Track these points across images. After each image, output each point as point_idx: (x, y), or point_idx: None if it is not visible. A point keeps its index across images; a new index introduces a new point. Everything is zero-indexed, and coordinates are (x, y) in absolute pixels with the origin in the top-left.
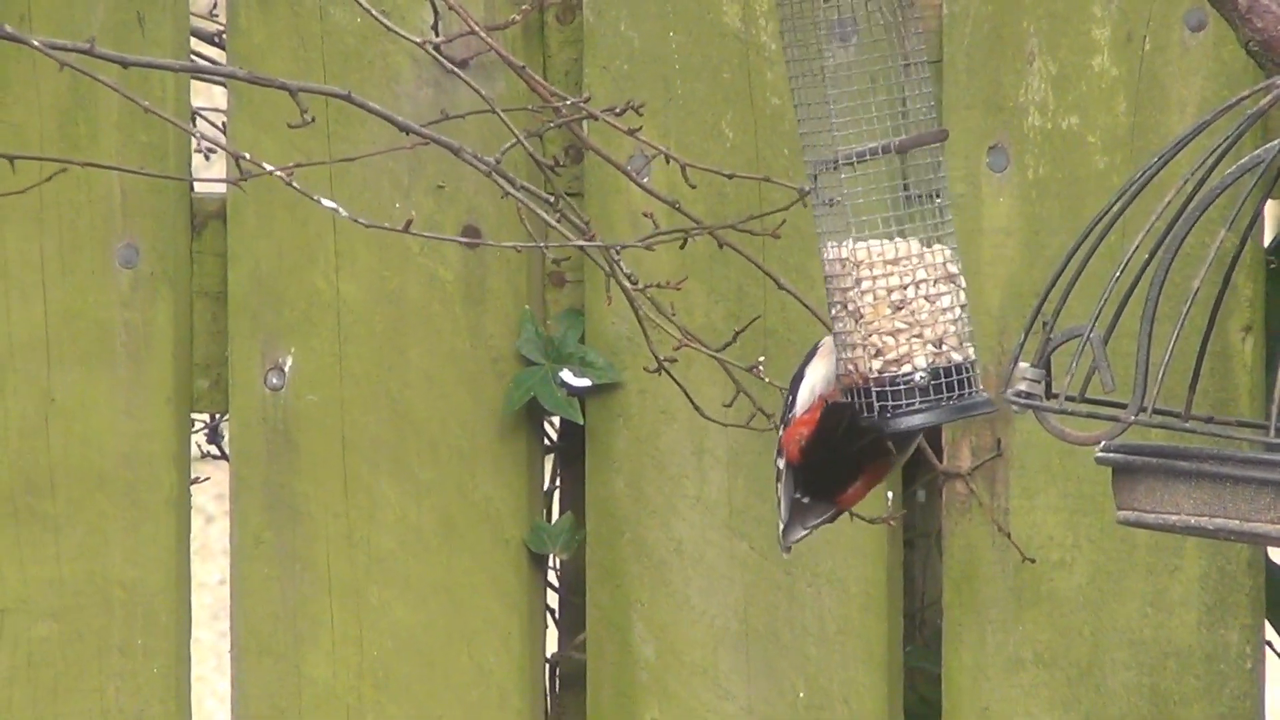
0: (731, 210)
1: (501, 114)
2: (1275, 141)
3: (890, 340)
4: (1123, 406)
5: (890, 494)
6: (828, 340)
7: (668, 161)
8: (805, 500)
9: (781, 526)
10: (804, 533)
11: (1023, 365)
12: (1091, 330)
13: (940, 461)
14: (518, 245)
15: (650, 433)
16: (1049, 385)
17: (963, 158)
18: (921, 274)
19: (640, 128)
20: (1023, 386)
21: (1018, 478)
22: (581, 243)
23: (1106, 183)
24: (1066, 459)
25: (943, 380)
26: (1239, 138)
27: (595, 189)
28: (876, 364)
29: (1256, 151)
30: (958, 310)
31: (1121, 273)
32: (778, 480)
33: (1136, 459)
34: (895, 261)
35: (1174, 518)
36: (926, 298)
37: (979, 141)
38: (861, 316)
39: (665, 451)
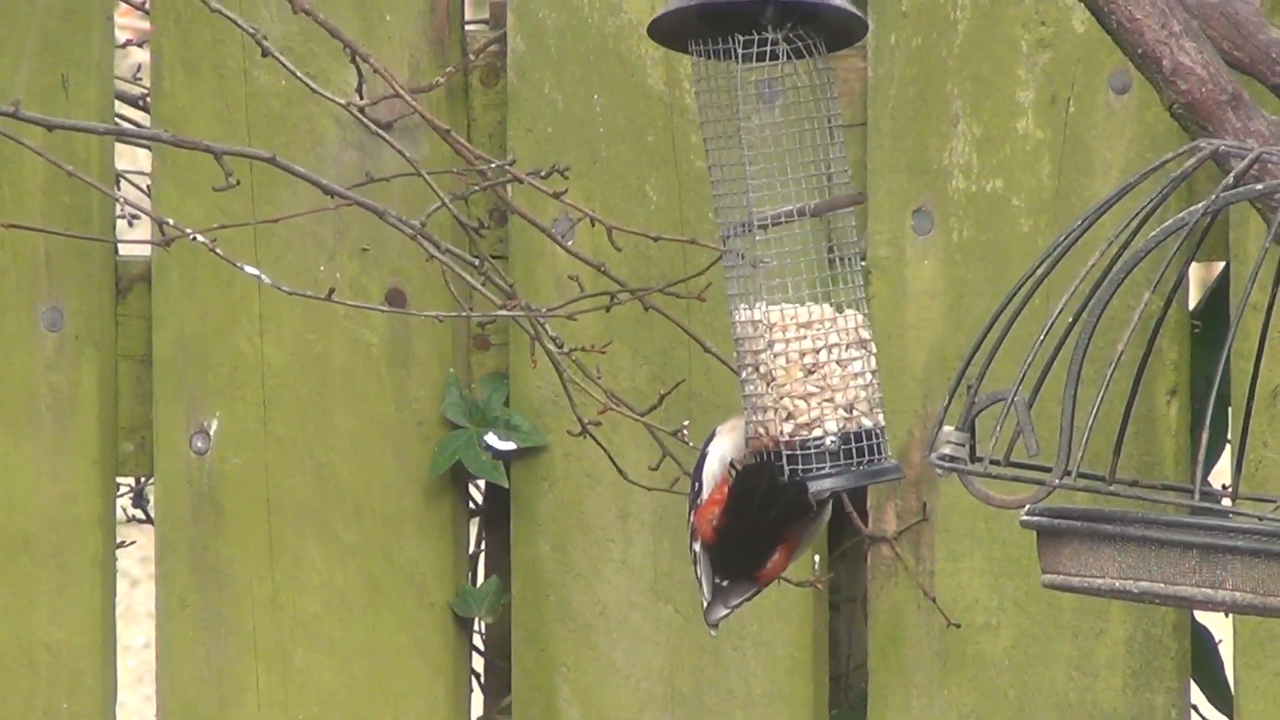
0: (656, 273)
1: (426, 176)
2: (1199, 205)
3: (802, 404)
4: (1047, 470)
5: (816, 557)
6: (726, 423)
7: (593, 224)
8: (724, 584)
9: (705, 604)
10: (726, 612)
11: (947, 429)
12: (1016, 394)
13: (866, 525)
14: (439, 315)
15: (575, 496)
16: (973, 449)
17: (887, 220)
18: (834, 338)
19: (565, 190)
20: (947, 450)
21: (943, 541)
22: (505, 313)
23: (1031, 245)
24: (992, 522)
25: (853, 445)
26: (1163, 200)
27: (520, 251)
28: (788, 427)
29: (1181, 214)
30: (869, 375)
31: (1046, 336)
32: (694, 564)
33: (1061, 522)
34: (808, 325)
35: (1099, 581)
36: (839, 362)
37: (904, 204)
38: (774, 379)
39: (590, 515)
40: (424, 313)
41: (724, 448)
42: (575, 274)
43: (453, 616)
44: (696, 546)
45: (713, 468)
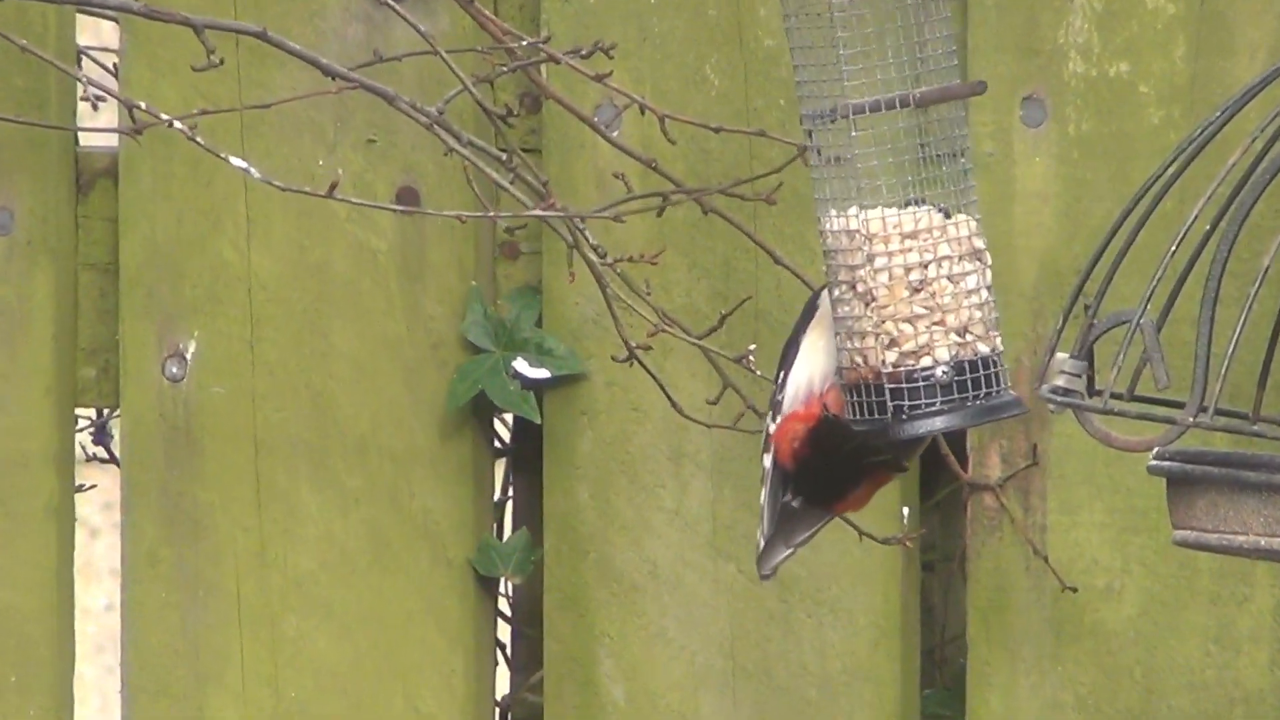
0: (717, 171)
1: (444, 55)
2: None
3: (908, 328)
4: (1180, 406)
5: (906, 509)
6: (826, 297)
7: (642, 112)
8: (795, 504)
9: (761, 544)
10: (787, 553)
11: (1061, 356)
12: (1142, 315)
13: (965, 471)
14: (462, 215)
15: (620, 434)
16: (1092, 380)
17: (991, 110)
18: (944, 249)
19: (610, 72)
20: (1061, 382)
21: (1056, 490)
22: (539, 212)
23: (1161, 140)
24: (1113, 468)
25: (968, 376)
26: None
27: (556, 145)
28: (891, 356)
29: None
30: (984, 293)
31: (1178, 247)
32: (763, 482)
33: (1196, 469)
34: (914, 234)
35: (1241, 538)
36: (950, 278)
37: (1011, 91)
38: (874, 299)
39: (637, 456)
40: (442, 212)
41: (816, 360)
42: (621, 171)
43: (474, 576)
44: (768, 460)
45: (799, 379)
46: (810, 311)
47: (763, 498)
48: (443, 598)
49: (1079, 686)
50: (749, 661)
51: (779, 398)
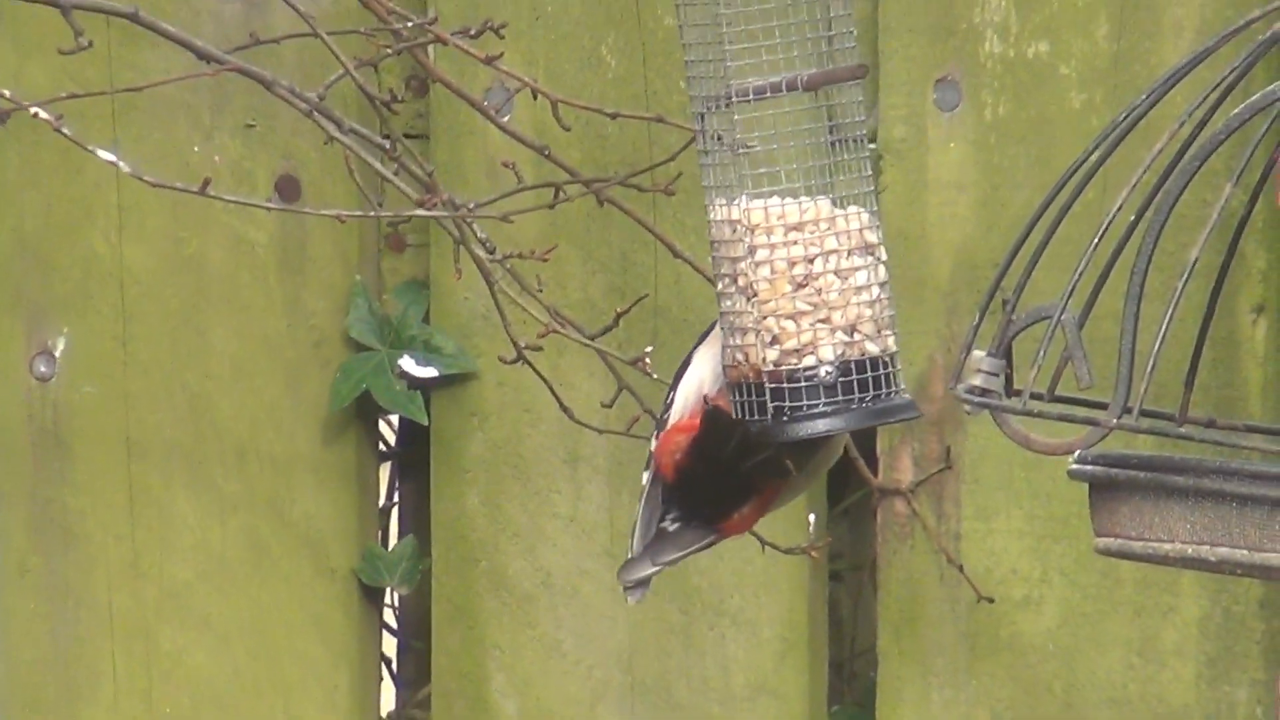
0: (615, 158)
1: (325, 38)
2: None
3: (790, 325)
4: (1103, 407)
5: (812, 516)
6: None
7: (535, 97)
8: (672, 528)
9: (629, 555)
10: (653, 570)
11: (977, 354)
12: (1063, 311)
13: (875, 475)
14: (341, 214)
15: (511, 436)
16: (1010, 380)
17: (904, 93)
18: (832, 242)
19: (500, 54)
20: (978, 381)
21: (971, 496)
22: (422, 211)
23: (1083, 125)
24: (1032, 472)
25: (854, 377)
26: (1248, 69)
27: (444, 130)
28: (772, 354)
29: (1270, 88)
30: (876, 289)
31: (1101, 238)
32: (640, 497)
33: (1120, 473)
34: (800, 226)
35: (1167, 546)
36: (837, 273)
37: (924, 73)
38: (755, 294)
39: (530, 460)
40: (320, 210)
41: (705, 368)
42: (512, 160)
43: (358, 586)
44: (646, 477)
45: (689, 388)
46: (706, 333)
47: (637, 513)
48: (326, 609)
49: (995, 702)
50: (648, 676)
51: (665, 415)
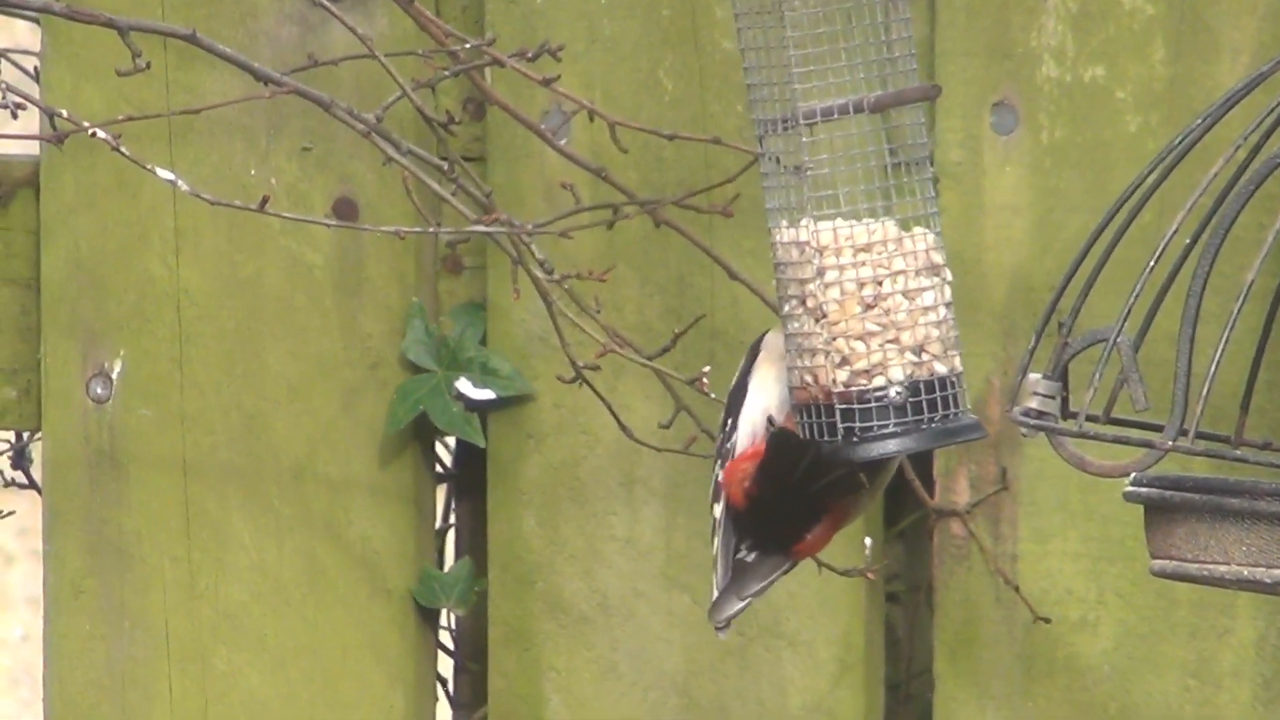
0: (671, 180)
1: (382, 59)
2: None
3: (860, 346)
4: (1159, 429)
5: (868, 539)
6: (772, 337)
7: (592, 119)
8: (750, 558)
9: (715, 593)
10: (740, 605)
11: (1034, 377)
12: (1119, 333)
13: (931, 497)
14: (400, 230)
15: (568, 458)
16: (1066, 402)
17: (960, 117)
18: (899, 264)
19: (557, 76)
20: (1034, 404)
21: (1027, 517)
22: (482, 227)
23: (1139, 148)
24: (1088, 494)
25: (923, 397)
26: None
27: (501, 153)
28: (842, 375)
29: None
30: (942, 310)
31: (1157, 261)
32: (713, 533)
33: (1175, 495)
34: (868, 248)
35: (1223, 568)
36: (905, 294)
37: (980, 97)
38: (824, 316)
39: (587, 481)
40: (380, 227)
41: (769, 391)
42: (569, 181)
43: (414, 608)
44: (718, 510)
45: (754, 414)
46: (752, 355)
47: (715, 547)
48: (382, 631)
49: None
50: (704, 698)
51: (728, 446)
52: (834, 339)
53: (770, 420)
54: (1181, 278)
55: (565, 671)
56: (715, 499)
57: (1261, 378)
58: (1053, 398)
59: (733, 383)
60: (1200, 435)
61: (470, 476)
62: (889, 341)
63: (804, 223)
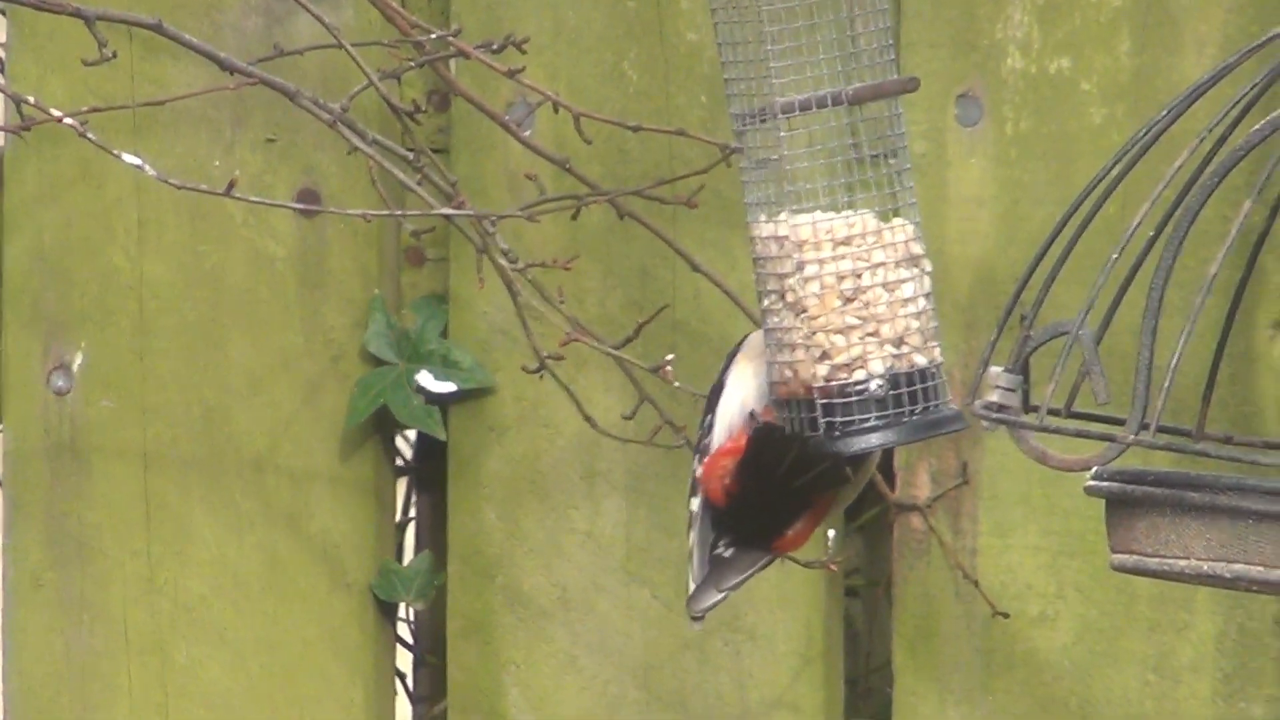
0: (635, 172)
1: (350, 48)
2: None
3: (840, 340)
4: (1120, 423)
5: (830, 532)
6: (754, 337)
7: (556, 110)
8: (727, 554)
9: (692, 588)
10: (718, 597)
11: (995, 370)
12: (1081, 326)
13: (892, 491)
14: (367, 214)
15: (529, 451)
16: (1027, 396)
17: (925, 109)
18: (879, 255)
19: (522, 68)
20: (995, 397)
21: (988, 511)
22: (447, 211)
23: (1104, 140)
24: (1049, 488)
25: (904, 390)
26: (1269, 85)
27: (465, 144)
28: (823, 369)
29: None
30: (922, 301)
31: (1120, 254)
32: (690, 527)
33: (1136, 489)
34: (847, 241)
35: (1183, 563)
36: (885, 286)
37: (945, 89)
38: (804, 310)
39: (548, 475)
40: (346, 210)
41: (746, 386)
42: (534, 172)
43: (374, 601)
44: (696, 504)
45: (730, 409)
46: (733, 353)
47: (691, 541)
48: (341, 624)
49: (1010, 718)
50: (664, 691)
51: (706, 440)
52: (814, 333)
53: (752, 414)
54: (1145, 270)
55: (525, 665)
56: (693, 493)
57: (1223, 371)
58: (1014, 391)
59: (713, 381)
60: (1162, 429)
61: (431, 469)
62: (869, 334)
63: (782, 217)
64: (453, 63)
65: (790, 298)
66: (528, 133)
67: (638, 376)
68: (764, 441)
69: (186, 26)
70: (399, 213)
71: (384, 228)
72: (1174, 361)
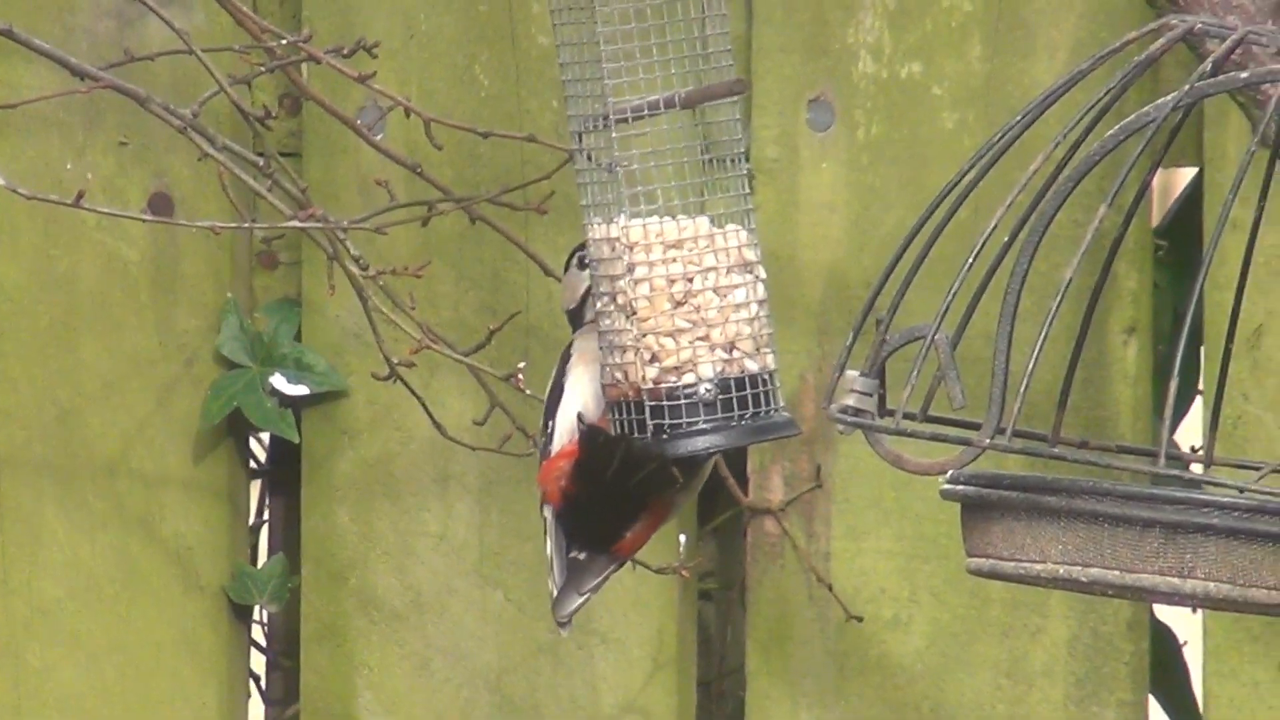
0: (487, 177)
1: (200, 54)
2: (1167, 97)
3: (669, 343)
4: (975, 427)
5: (683, 536)
6: (580, 341)
7: (408, 115)
8: (581, 556)
9: (554, 594)
10: (580, 601)
11: (850, 374)
12: (937, 331)
13: (745, 495)
14: (216, 225)
15: (382, 455)
16: (883, 399)
17: (776, 114)
18: (710, 260)
19: (373, 72)
20: (850, 401)
21: (841, 515)
22: (297, 223)
23: (957, 145)
24: (902, 492)
25: (734, 395)
26: (1123, 91)
27: (317, 148)
28: (652, 372)
29: (1145, 109)
30: (755, 307)
31: (975, 259)
32: (545, 534)
33: (992, 493)
34: (678, 244)
35: (1039, 566)
36: (716, 290)
37: (797, 93)
38: (635, 312)
39: (401, 478)
40: (195, 222)
41: (583, 389)
42: (385, 178)
43: (228, 604)
44: (547, 512)
45: (567, 412)
46: (566, 355)
47: (549, 549)
48: (195, 627)
49: None
50: (517, 695)
51: (548, 445)
52: (644, 335)
53: (580, 418)
54: (999, 275)
55: (378, 668)
56: (543, 502)
57: (1078, 376)
58: (870, 395)
59: (549, 384)
60: (1017, 433)
61: (284, 472)
62: (699, 339)
63: (616, 219)
64: (304, 67)
65: (621, 300)
66: (379, 137)
67: (489, 382)
68: (591, 445)
69: (38, 30)
70: (248, 224)
71: (237, 232)
72: (1029, 366)
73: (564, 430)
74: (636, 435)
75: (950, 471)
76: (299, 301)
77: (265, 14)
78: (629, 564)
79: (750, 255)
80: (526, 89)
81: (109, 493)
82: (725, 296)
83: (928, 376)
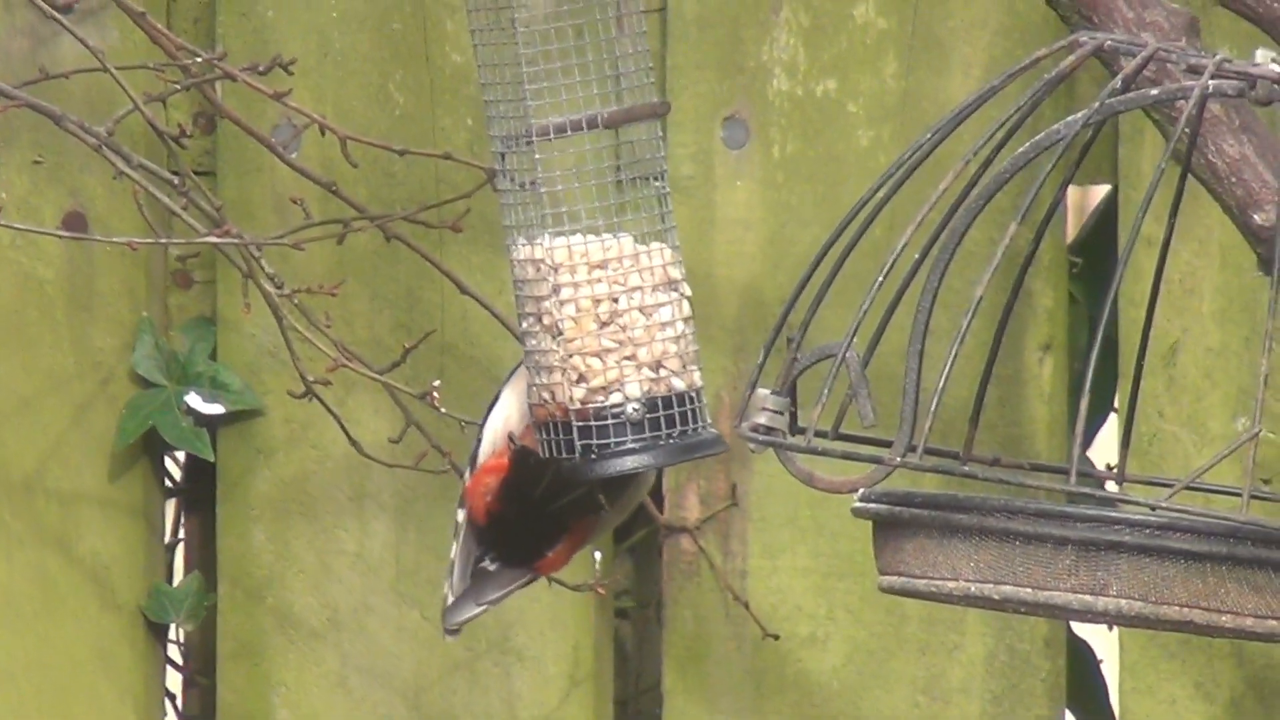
0: (402, 195)
1: (115, 73)
2: (1079, 114)
3: (596, 363)
4: (887, 445)
5: (598, 554)
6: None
7: (323, 133)
8: (492, 567)
9: (450, 599)
10: (476, 611)
11: (762, 392)
12: (848, 348)
13: (661, 513)
14: (133, 241)
15: (298, 473)
16: (795, 417)
17: (692, 131)
18: (635, 279)
19: (289, 90)
20: (762, 419)
21: (757, 533)
22: (212, 239)
23: (871, 162)
24: (817, 510)
25: (661, 413)
26: (1034, 107)
27: (231, 166)
28: (579, 392)
29: (1056, 126)
30: (680, 325)
31: (886, 276)
32: (454, 536)
33: (904, 511)
34: (603, 264)
35: (951, 584)
36: (641, 309)
37: (712, 111)
38: (561, 333)
39: (317, 497)
40: (112, 238)
41: (513, 405)
42: (300, 196)
43: (144, 622)
44: (462, 515)
45: (495, 425)
46: (512, 373)
47: (453, 552)
48: (112, 645)
49: None
50: (434, 712)
51: (477, 453)
52: (570, 356)
53: (511, 437)
54: (911, 292)
55: (295, 686)
56: (460, 504)
57: (991, 393)
58: (781, 413)
59: (491, 397)
60: (929, 451)
61: (200, 491)
62: (626, 358)
63: (540, 239)
64: (219, 85)
65: (547, 320)
66: (294, 155)
67: (405, 401)
68: (521, 466)
69: None
70: (164, 240)
71: (152, 250)
72: (941, 383)
73: (489, 441)
74: (565, 456)
75: (862, 489)
76: (214, 320)
77: (180, 32)
78: (546, 581)
79: (675, 273)
80: (441, 107)
81: (25, 511)
82: (651, 315)
83: (839, 394)
